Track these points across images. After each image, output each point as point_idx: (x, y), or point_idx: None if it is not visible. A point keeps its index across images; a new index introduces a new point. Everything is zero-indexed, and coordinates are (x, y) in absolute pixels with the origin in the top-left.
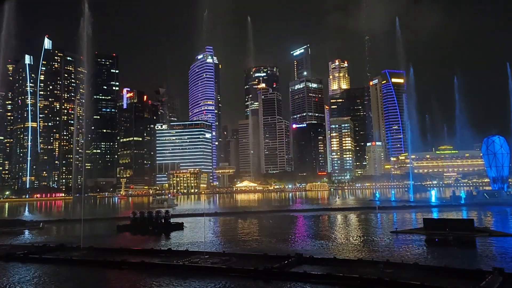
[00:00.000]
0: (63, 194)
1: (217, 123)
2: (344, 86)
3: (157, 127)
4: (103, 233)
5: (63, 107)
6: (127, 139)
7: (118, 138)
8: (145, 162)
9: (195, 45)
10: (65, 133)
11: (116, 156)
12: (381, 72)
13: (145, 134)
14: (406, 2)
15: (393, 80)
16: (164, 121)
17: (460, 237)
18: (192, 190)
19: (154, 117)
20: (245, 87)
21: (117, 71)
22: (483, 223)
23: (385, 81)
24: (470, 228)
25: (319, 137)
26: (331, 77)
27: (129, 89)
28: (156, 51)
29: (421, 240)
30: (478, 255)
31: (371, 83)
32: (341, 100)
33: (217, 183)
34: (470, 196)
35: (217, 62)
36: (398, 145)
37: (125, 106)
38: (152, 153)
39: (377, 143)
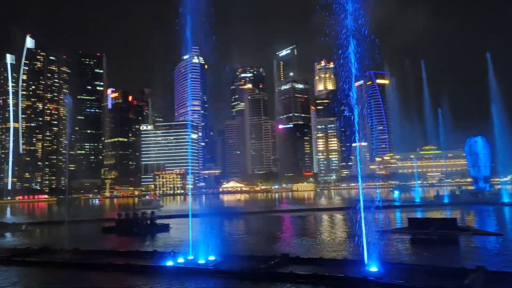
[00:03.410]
0: (46, 196)
1: (203, 124)
2: (330, 87)
3: (143, 127)
4: (88, 235)
5: (46, 107)
6: (112, 140)
7: (103, 138)
8: (130, 163)
9: (180, 45)
10: (48, 133)
11: (100, 157)
12: (366, 72)
13: (130, 135)
14: (396, 3)
15: (378, 81)
16: (149, 121)
17: (443, 236)
18: (178, 191)
19: (140, 118)
20: (231, 87)
21: (101, 71)
22: (466, 222)
23: (370, 82)
24: (453, 227)
25: (305, 138)
26: (317, 77)
27: (114, 89)
28: (142, 51)
29: (406, 239)
30: (462, 253)
31: (356, 83)
32: (327, 101)
33: (203, 184)
34: (454, 196)
35: (203, 62)
36: (383, 145)
37: (110, 107)
38: (137, 154)
39: (363, 143)
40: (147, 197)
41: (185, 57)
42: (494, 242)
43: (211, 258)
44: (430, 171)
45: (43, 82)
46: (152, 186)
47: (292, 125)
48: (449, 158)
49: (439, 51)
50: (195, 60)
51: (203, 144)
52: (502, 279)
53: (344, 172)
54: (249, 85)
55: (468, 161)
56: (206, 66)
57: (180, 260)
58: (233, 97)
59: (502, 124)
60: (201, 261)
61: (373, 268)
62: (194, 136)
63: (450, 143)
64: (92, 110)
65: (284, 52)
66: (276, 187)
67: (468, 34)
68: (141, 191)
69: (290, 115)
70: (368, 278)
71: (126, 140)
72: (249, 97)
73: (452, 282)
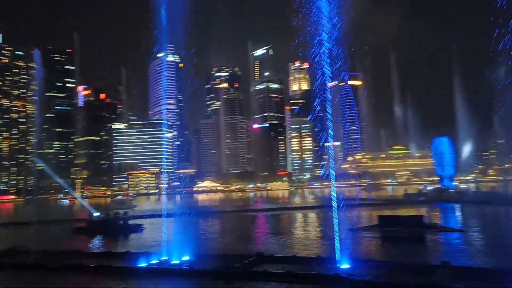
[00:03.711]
0: (13, 197)
1: (178, 123)
2: (305, 87)
3: (115, 126)
4: (58, 236)
5: (12, 104)
6: (83, 138)
7: (74, 137)
8: (102, 162)
9: (155, 43)
10: (15, 131)
11: (71, 156)
12: (339, 73)
13: (102, 133)
14: (367, 6)
15: (351, 82)
16: (123, 120)
17: (411, 233)
18: (152, 191)
19: (112, 116)
20: (207, 86)
21: (73, 68)
22: (432, 219)
23: (343, 83)
24: (420, 224)
25: (279, 137)
26: (291, 78)
27: (85, 86)
28: (115, 48)
29: (376, 237)
30: (428, 250)
31: (330, 84)
32: (301, 101)
33: (178, 183)
34: (421, 194)
35: (178, 60)
36: (355, 145)
37: (81, 104)
38: (110, 153)
39: (335, 143)
40: (119, 197)
41: (160, 55)
42: (457, 238)
43: (185, 258)
44: (399, 170)
45: (10, 78)
46: (125, 185)
47: (267, 125)
48: (417, 158)
49: (409, 54)
50: (170, 58)
51: (178, 143)
52: (466, 274)
53: (317, 171)
54: (225, 84)
55: (434, 160)
56: (181, 65)
57: (154, 261)
58: (208, 96)
59: (466, 125)
60: (175, 262)
61: (345, 265)
62: (168, 135)
63: (418, 143)
64: (62, 108)
65: (259, 52)
66: (251, 186)
67: (437, 38)
68: (114, 191)
69: (265, 114)
70: (340, 275)
71: (98, 138)
72: (225, 97)
73: (420, 278)
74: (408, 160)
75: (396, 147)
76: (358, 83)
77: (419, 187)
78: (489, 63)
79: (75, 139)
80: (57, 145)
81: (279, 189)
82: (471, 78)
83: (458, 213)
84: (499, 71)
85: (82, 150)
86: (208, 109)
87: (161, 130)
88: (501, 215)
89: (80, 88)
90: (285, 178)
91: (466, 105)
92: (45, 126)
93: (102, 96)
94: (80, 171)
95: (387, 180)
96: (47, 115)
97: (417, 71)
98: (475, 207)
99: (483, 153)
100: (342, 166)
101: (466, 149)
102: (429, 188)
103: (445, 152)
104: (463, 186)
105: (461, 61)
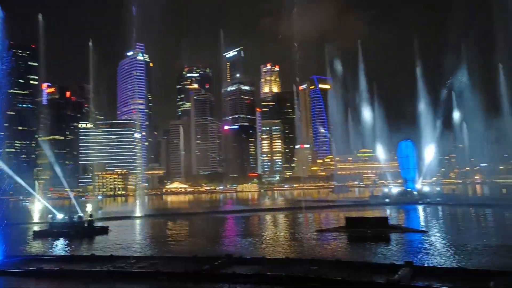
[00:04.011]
0: None
1: (147, 123)
2: (275, 89)
3: (81, 125)
4: (16, 240)
5: None
6: (47, 138)
7: (36, 136)
8: (66, 162)
9: (125, 41)
10: None
11: (33, 156)
12: (309, 77)
13: (67, 133)
14: (336, 12)
15: (321, 85)
16: (89, 119)
17: (376, 234)
18: (119, 192)
19: (78, 115)
20: (177, 87)
21: (36, 64)
22: (397, 220)
23: (313, 86)
24: (385, 225)
25: (250, 139)
26: (263, 80)
27: (50, 84)
28: (82, 44)
29: (343, 238)
30: (392, 250)
31: (300, 87)
32: (272, 103)
33: (146, 184)
34: (386, 196)
35: (148, 60)
36: (324, 147)
37: (45, 102)
38: (75, 153)
39: (305, 145)
40: (84, 198)
41: (129, 54)
42: (420, 238)
43: (153, 260)
44: (366, 172)
45: None
46: (91, 187)
47: (237, 126)
48: (383, 161)
49: (375, 58)
50: (140, 57)
51: (146, 143)
52: (428, 273)
53: (287, 173)
54: (195, 85)
55: (399, 163)
56: (151, 64)
57: (118, 263)
58: (179, 97)
59: (429, 130)
60: (141, 264)
61: (313, 266)
62: (137, 135)
63: (385, 146)
64: (25, 106)
65: (231, 54)
66: (221, 188)
67: (401, 44)
68: (79, 192)
69: (236, 116)
70: (307, 275)
71: (62, 138)
72: (195, 97)
73: (383, 277)
74: (375, 162)
75: (364, 150)
76: (328, 86)
77: (385, 189)
78: (449, 70)
79: (38, 138)
80: (18, 145)
81: (249, 191)
82: (434, 84)
83: (421, 214)
84: (456, 79)
85: (45, 150)
86: (179, 109)
87: (129, 130)
88: (461, 216)
89: (44, 85)
90: (255, 180)
91: (428, 110)
92: (6, 125)
93: (68, 94)
94: (42, 172)
95: (354, 182)
96: (8, 113)
97: (383, 75)
98: (437, 208)
99: (445, 157)
100: (311, 168)
101: (429, 153)
102: (394, 190)
103: (409, 155)
104: (426, 188)
105: (424, 66)
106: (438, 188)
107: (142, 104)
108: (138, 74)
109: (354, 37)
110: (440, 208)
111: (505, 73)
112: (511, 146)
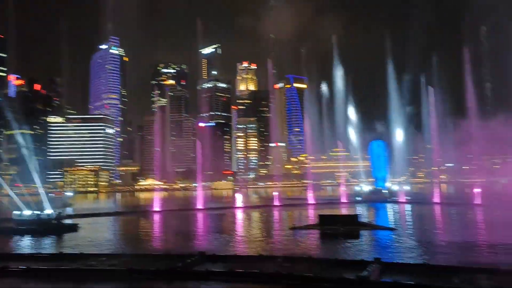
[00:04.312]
0: None
1: (121, 118)
2: (251, 87)
3: (51, 119)
4: None
5: None
6: (14, 132)
7: (3, 130)
8: (35, 157)
9: (98, 33)
10: None
11: (0, 150)
12: (285, 76)
13: (37, 127)
14: (311, 12)
15: (296, 84)
16: (60, 113)
17: (348, 231)
18: (90, 189)
19: (48, 109)
20: (152, 82)
21: (4, 55)
22: (367, 218)
23: (289, 85)
24: (356, 223)
25: (225, 137)
26: (239, 78)
27: (18, 76)
28: (54, 36)
29: (316, 235)
30: (362, 246)
31: (276, 86)
32: (248, 101)
33: (119, 181)
34: (358, 194)
35: (123, 54)
36: (299, 146)
37: (12, 94)
38: (44, 148)
39: (280, 144)
40: (52, 194)
41: (103, 47)
42: (389, 235)
43: (124, 258)
44: (339, 171)
45: None
46: (61, 183)
47: (213, 124)
48: (355, 160)
49: (351, 59)
50: (114, 51)
51: (120, 139)
52: (395, 270)
53: (262, 171)
54: (171, 81)
55: (371, 162)
56: (126, 58)
57: (89, 261)
58: (154, 93)
59: (399, 129)
60: (112, 262)
61: (285, 262)
62: (110, 130)
63: (358, 146)
64: None
65: (207, 50)
66: (195, 185)
67: (375, 44)
68: (48, 188)
69: (212, 113)
70: (279, 271)
71: (31, 132)
72: (171, 93)
73: (352, 273)
74: (348, 162)
75: (337, 149)
76: (304, 86)
77: (356, 188)
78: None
79: (5, 132)
80: None
81: (224, 188)
82: (405, 85)
83: (390, 212)
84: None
85: (13, 145)
86: (153, 105)
87: (102, 126)
88: (427, 214)
89: (12, 77)
90: (230, 178)
91: (399, 110)
92: None
93: (37, 87)
94: (9, 167)
95: (328, 181)
96: None
97: (359, 76)
98: (406, 206)
99: (413, 157)
100: (285, 166)
101: (399, 153)
102: (365, 189)
103: (380, 154)
104: (395, 187)
105: (397, 67)
106: (407, 187)
107: (115, 99)
108: (112, 68)
109: (330, 38)
110: (408, 206)
111: (473, 77)
112: (475, 147)
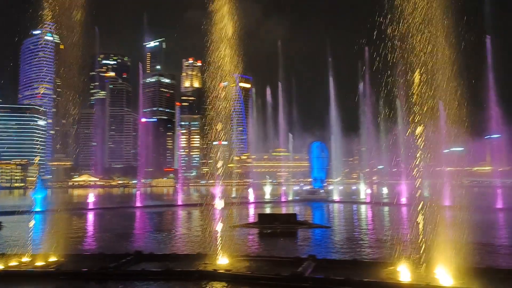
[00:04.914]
0: None
1: (54, 110)
2: (196, 84)
3: None
4: None
5: None
6: None
7: None
8: None
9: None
10: None
11: None
12: (231, 75)
13: None
14: (259, 14)
15: (241, 84)
16: None
17: (285, 229)
18: (17, 184)
19: None
20: (91, 73)
21: None
22: (304, 216)
23: (234, 85)
24: (293, 221)
25: (168, 133)
26: (184, 74)
27: None
28: None
29: (254, 233)
30: (299, 244)
31: (220, 84)
32: (192, 98)
33: (50, 176)
34: (296, 193)
35: (58, 41)
36: (242, 145)
37: None
38: None
39: (223, 142)
40: None
41: (35, 32)
42: (324, 233)
43: (53, 259)
44: (280, 171)
45: None
46: None
47: (155, 120)
48: (296, 160)
49: (293, 61)
50: (49, 37)
51: (52, 132)
52: (329, 266)
53: (204, 169)
54: (112, 73)
55: (310, 163)
56: (62, 46)
57: (13, 263)
58: (93, 84)
59: (337, 132)
60: (40, 263)
61: (224, 261)
62: (41, 122)
63: (298, 147)
64: None
65: (152, 44)
66: (135, 182)
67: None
68: None
69: (155, 109)
70: (217, 270)
71: None
72: (111, 86)
73: (288, 270)
74: (288, 162)
75: (278, 150)
76: (248, 86)
77: (295, 187)
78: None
79: None
80: None
81: (164, 186)
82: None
83: (325, 211)
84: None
85: None
86: (92, 98)
87: (32, 117)
88: (359, 212)
89: None
90: (171, 175)
91: (338, 113)
92: None
93: None
94: None
95: (269, 180)
96: None
97: (302, 78)
98: (341, 206)
99: (349, 159)
100: (228, 165)
101: (336, 154)
102: (304, 188)
103: (319, 156)
104: (331, 187)
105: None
106: (342, 187)
107: (49, 89)
108: (45, 55)
109: (275, 39)
110: (342, 206)
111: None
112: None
